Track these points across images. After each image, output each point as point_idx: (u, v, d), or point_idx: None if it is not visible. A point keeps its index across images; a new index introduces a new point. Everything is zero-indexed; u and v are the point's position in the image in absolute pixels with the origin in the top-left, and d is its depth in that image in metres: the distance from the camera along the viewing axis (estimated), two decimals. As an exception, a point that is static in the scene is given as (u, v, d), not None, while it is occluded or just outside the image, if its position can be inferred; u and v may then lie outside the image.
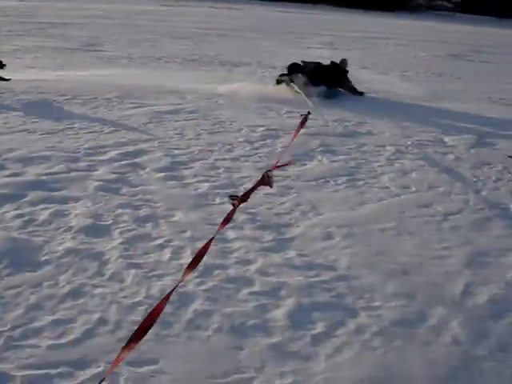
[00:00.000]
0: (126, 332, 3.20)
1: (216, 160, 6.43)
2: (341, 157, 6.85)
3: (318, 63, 11.13)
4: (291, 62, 11.23)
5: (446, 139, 8.09)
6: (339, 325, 3.42)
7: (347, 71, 11.06)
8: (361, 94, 10.83)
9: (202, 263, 3.74)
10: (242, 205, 4.79)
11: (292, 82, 10.64)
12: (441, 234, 4.86)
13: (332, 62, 11.10)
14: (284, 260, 4.18)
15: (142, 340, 2.16)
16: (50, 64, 13.11)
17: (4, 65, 9.62)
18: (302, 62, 11.37)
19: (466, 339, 3.38)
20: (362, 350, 3.18)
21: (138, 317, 3.34)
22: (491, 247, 4.68)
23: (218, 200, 5.22)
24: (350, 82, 10.97)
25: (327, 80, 10.52)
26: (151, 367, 2.97)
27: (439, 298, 3.83)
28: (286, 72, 11.09)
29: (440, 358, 3.20)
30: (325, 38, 25.92)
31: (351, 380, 2.94)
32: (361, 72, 14.98)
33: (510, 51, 26.99)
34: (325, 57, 17.01)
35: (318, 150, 7.08)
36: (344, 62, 11.22)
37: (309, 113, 7.25)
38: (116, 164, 6.07)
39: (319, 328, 3.38)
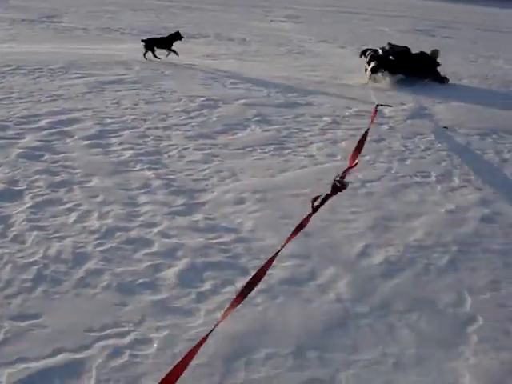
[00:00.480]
0: (16, 290, 3.26)
1: (147, 129, 6.46)
2: (274, 126, 6.92)
3: (406, 49, 10.62)
4: (365, 48, 10.87)
5: (386, 110, 8.19)
6: (227, 283, 3.52)
7: (438, 63, 10.62)
8: (445, 81, 10.54)
9: (104, 225, 3.84)
10: (161, 170, 4.89)
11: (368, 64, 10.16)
12: (353, 200, 4.96)
13: (421, 52, 10.61)
14: (189, 223, 4.26)
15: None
16: (3, 35, 12.92)
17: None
18: (389, 44, 10.84)
19: (350, 297, 3.50)
20: (244, 307, 3.27)
21: (29, 275, 3.40)
22: (400, 212, 4.80)
23: (138, 167, 5.27)
24: (439, 73, 10.56)
25: (411, 69, 10.13)
26: (33, 321, 3.04)
27: (334, 259, 3.95)
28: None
29: (319, 314, 3.32)
30: (291, 11, 25.86)
31: (225, 334, 3.03)
32: (319, 45, 15.04)
33: (471, 27, 27.19)
34: (286, 29, 17.11)
35: (254, 119, 7.14)
36: (435, 52, 10.81)
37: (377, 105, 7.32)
38: (44, 132, 6.08)
39: (207, 286, 3.47)
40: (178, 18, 18.27)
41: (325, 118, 7.47)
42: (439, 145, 6.82)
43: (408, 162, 6.13)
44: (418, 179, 5.63)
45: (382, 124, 7.44)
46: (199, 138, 6.27)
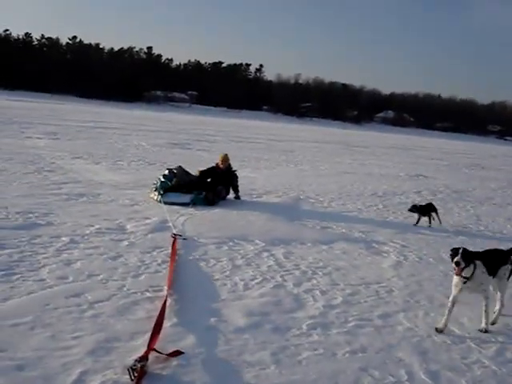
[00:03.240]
0: None
1: None
2: (6, 251, 6.59)
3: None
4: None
5: (128, 226, 8.32)
6: None
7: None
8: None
9: None
10: None
11: None
12: (77, 324, 4.84)
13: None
14: None
15: None
16: None
17: None
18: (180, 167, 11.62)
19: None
20: None
21: None
22: (125, 331, 4.79)
23: None
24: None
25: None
26: None
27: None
28: None
29: None
30: (50, 127, 25.60)
31: None
32: (73, 162, 14.97)
33: (226, 139, 29.37)
34: (41, 146, 16.79)
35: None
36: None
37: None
38: None
39: None
40: None
41: (63, 238, 7.33)
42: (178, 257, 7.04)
43: (142, 277, 6.22)
44: (149, 294, 5.71)
45: (121, 240, 7.52)
46: None
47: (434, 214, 10.92)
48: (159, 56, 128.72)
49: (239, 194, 11.81)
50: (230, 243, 7.98)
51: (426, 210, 10.95)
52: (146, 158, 17.37)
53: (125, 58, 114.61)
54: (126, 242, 7.49)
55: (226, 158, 11.92)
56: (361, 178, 18.37)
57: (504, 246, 9.52)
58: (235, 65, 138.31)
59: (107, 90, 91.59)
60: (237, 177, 11.89)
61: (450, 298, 5.61)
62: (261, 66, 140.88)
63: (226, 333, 4.96)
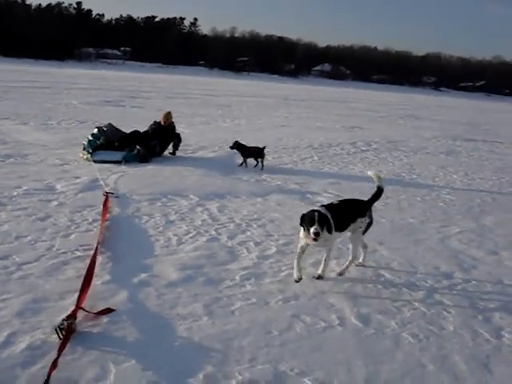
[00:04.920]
0: None
1: None
2: None
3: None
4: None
5: (58, 186, 8.10)
6: None
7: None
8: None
9: None
10: None
11: None
12: (5, 286, 4.71)
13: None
14: None
15: None
16: None
17: None
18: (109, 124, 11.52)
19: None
20: None
21: None
22: (54, 291, 4.68)
23: None
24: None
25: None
26: None
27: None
28: None
29: None
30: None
31: None
32: (0, 123, 14.40)
33: (162, 95, 28.87)
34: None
35: None
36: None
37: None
38: None
39: None
40: None
41: (-13, 202, 7.07)
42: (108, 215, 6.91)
43: (72, 236, 6.08)
44: (79, 253, 5.59)
45: (50, 201, 7.33)
46: None
47: (260, 159, 10.93)
48: (89, 11, 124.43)
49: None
50: (164, 199, 7.89)
51: (250, 152, 11.08)
52: (78, 117, 16.88)
53: (53, 15, 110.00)
54: (55, 203, 7.30)
55: (168, 116, 11.76)
56: (297, 131, 18.43)
57: (434, 193, 9.88)
58: (169, 19, 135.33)
59: (35, 48, 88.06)
60: (180, 138, 11.76)
61: (298, 250, 5.29)
62: (195, 19, 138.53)
63: (158, 287, 4.93)
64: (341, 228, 5.39)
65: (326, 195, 9.04)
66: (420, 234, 7.27)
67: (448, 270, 6.01)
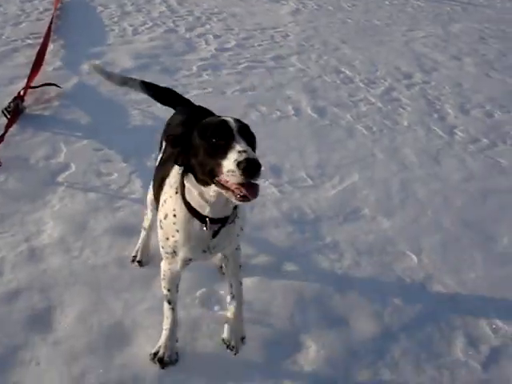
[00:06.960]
0: None
1: None
2: None
3: None
4: None
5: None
6: None
7: None
8: None
9: None
10: None
11: None
12: None
13: None
14: None
15: None
16: None
17: None
18: None
19: None
20: None
21: None
22: (4, 77, 4.60)
23: None
24: None
25: None
26: None
27: None
28: None
29: None
30: None
31: None
32: None
33: None
34: None
35: None
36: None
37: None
38: None
39: None
40: None
41: None
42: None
43: (23, 25, 5.78)
44: (30, 41, 5.35)
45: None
46: None
47: None
48: None
49: None
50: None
51: None
52: None
53: None
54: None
55: None
56: None
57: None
58: None
59: None
60: None
61: None
62: None
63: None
64: None
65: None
66: (385, 36, 7.08)
67: (409, 71, 5.93)
